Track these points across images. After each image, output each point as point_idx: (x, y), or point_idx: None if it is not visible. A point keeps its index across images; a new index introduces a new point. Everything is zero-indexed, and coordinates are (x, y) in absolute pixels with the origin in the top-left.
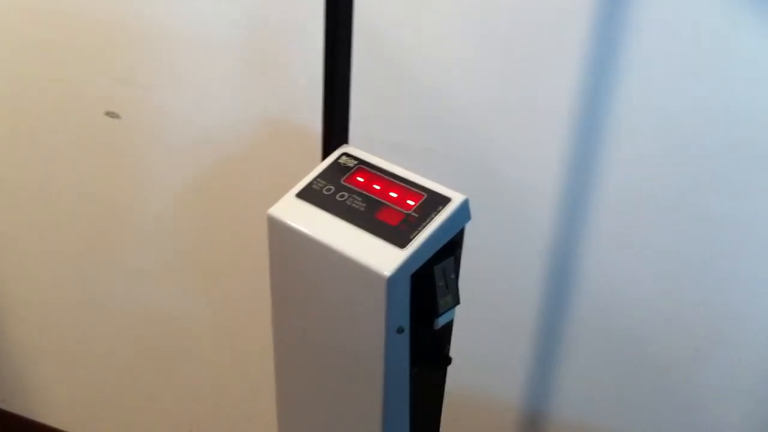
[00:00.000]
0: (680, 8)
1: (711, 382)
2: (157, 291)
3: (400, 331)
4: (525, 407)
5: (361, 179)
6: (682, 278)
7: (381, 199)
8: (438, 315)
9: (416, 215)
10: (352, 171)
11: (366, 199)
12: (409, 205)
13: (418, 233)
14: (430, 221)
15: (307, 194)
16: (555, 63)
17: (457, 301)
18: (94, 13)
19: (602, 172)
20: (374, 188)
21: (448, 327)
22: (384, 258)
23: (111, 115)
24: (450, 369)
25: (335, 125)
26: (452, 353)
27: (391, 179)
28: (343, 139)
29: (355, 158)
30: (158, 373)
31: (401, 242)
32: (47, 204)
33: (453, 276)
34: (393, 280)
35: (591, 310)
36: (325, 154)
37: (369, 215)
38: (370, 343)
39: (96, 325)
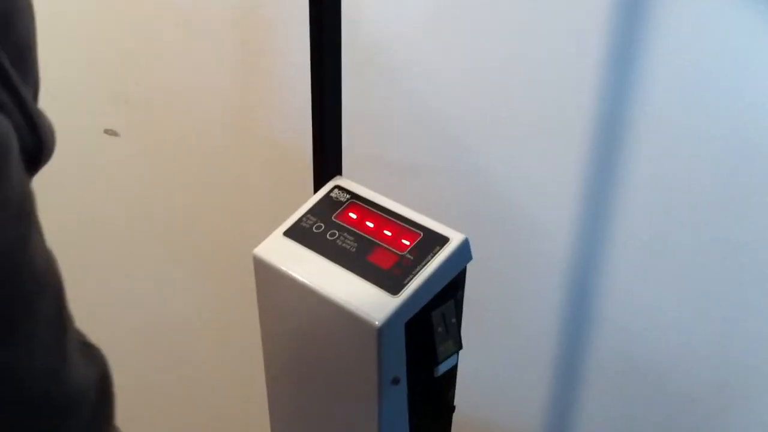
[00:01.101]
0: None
1: (738, 418)
2: (156, 300)
3: (395, 382)
4: None
5: (354, 215)
6: (707, 307)
7: (374, 239)
8: (438, 363)
9: (411, 257)
10: (344, 206)
11: (358, 238)
12: (404, 245)
13: (412, 278)
14: (425, 264)
15: (296, 233)
16: (568, 78)
17: (459, 347)
18: (89, 28)
19: (621, 194)
20: (367, 226)
21: (451, 373)
22: (375, 306)
23: (110, 132)
24: (463, 397)
25: (327, 156)
26: (463, 379)
27: (386, 216)
28: (336, 170)
29: (348, 192)
30: (159, 374)
31: (394, 288)
32: (47, 219)
33: (453, 320)
34: (385, 330)
35: (610, 340)
36: (317, 185)
37: (360, 257)
38: (364, 393)
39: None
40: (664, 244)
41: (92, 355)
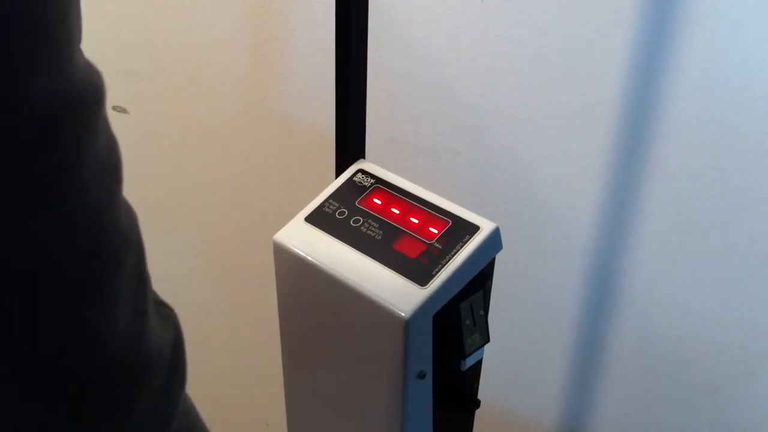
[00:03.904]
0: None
1: (764, 407)
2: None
3: (421, 376)
4: (561, 428)
5: (378, 201)
6: (731, 296)
7: (400, 226)
8: (465, 356)
9: (439, 246)
10: (368, 191)
11: (383, 225)
12: (432, 233)
13: (441, 268)
14: (455, 254)
15: (318, 218)
16: (592, 62)
17: (486, 339)
18: (99, 3)
19: (646, 180)
20: (392, 212)
21: (476, 367)
22: (402, 297)
23: (118, 109)
24: (483, 386)
25: (350, 138)
26: (484, 369)
27: (412, 202)
28: (359, 154)
29: (372, 176)
30: None
31: (422, 279)
32: None
33: (482, 312)
34: (412, 323)
35: (632, 329)
36: (339, 169)
37: (386, 245)
38: (387, 388)
39: None
40: (688, 232)
41: (167, 315)
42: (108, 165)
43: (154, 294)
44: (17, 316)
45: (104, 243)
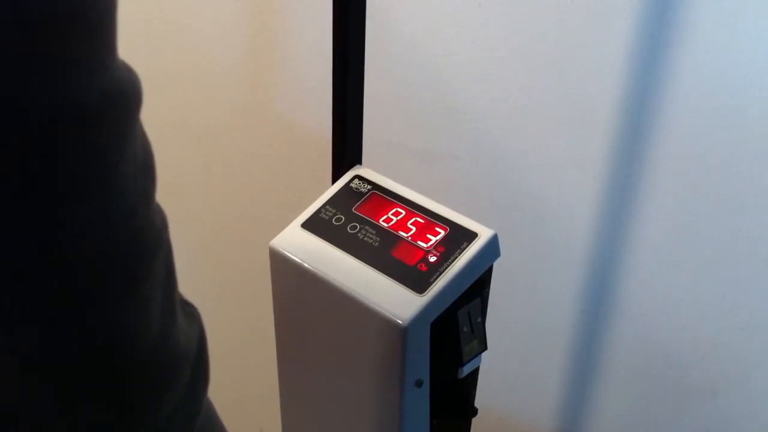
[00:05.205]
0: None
1: (762, 412)
2: None
3: (419, 384)
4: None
5: (375, 208)
6: (730, 300)
7: (397, 233)
8: (462, 364)
9: (437, 253)
10: (365, 198)
11: (380, 232)
12: (430, 240)
13: (439, 276)
14: (453, 261)
15: (314, 225)
16: (591, 65)
17: (484, 347)
18: None
19: (644, 185)
20: (390, 219)
21: (474, 374)
22: (400, 305)
23: None
24: (480, 392)
25: (347, 143)
26: (482, 373)
27: (409, 209)
28: (356, 159)
29: (369, 182)
30: None
31: (420, 286)
32: None
33: (479, 319)
34: (410, 330)
35: (630, 332)
36: (335, 175)
37: (384, 252)
38: (384, 396)
39: None
40: (687, 235)
41: (191, 313)
42: (144, 166)
43: (179, 293)
44: (54, 307)
45: (140, 241)
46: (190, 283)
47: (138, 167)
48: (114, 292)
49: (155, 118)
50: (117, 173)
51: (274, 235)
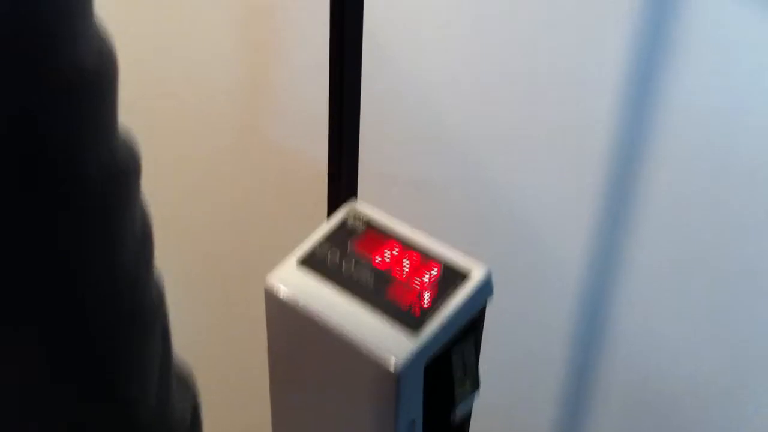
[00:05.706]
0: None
1: None
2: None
3: (411, 425)
4: None
5: (370, 246)
6: (722, 333)
7: (391, 274)
8: (455, 404)
9: (430, 294)
10: (359, 235)
11: (375, 271)
12: (423, 280)
13: (432, 317)
14: (446, 302)
15: (310, 262)
16: (584, 93)
17: (476, 386)
18: None
19: (636, 214)
20: (384, 258)
21: (467, 413)
22: (394, 347)
23: None
24: (475, 423)
25: (343, 179)
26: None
27: (403, 246)
28: (352, 193)
29: (364, 218)
30: None
31: (413, 328)
32: None
33: (473, 359)
34: (403, 373)
35: (625, 359)
36: (331, 209)
37: (378, 292)
38: None
39: None
40: (681, 268)
41: (185, 378)
42: (143, 235)
43: (175, 359)
44: (51, 387)
45: (139, 309)
46: (182, 314)
47: (138, 235)
48: (113, 359)
49: (147, 151)
50: (119, 243)
51: (268, 264)
